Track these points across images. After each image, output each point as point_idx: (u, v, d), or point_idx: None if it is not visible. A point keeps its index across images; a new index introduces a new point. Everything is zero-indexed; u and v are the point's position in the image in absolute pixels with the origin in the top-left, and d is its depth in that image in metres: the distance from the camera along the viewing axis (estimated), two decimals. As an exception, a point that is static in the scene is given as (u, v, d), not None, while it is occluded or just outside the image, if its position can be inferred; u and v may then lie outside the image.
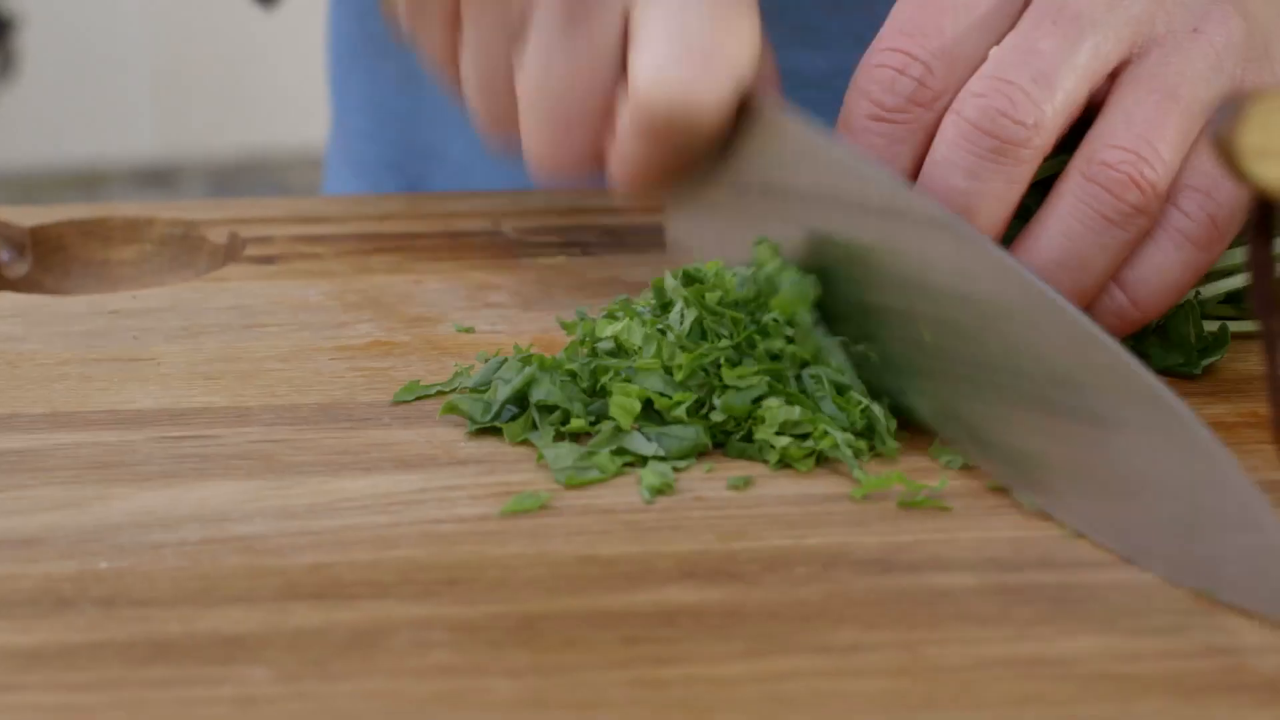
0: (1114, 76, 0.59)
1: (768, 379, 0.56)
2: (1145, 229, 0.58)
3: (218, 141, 2.91)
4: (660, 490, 0.53)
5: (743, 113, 0.62)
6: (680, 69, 0.60)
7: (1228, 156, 0.43)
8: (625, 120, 0.61)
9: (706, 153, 0.62)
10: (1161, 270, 0.58)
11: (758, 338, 0.57)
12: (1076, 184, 0.57)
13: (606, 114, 0.62)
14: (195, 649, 0.46)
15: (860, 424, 0.56)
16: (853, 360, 0.57)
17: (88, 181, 2.86)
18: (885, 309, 0.57)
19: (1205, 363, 0.61)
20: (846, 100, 0.59)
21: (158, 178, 2.90)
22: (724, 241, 0.62)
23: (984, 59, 0.58)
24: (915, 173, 0.59)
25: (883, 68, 0.58)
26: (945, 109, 0.58)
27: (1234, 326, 0.63)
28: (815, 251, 0.59)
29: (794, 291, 0.57)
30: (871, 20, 0.79)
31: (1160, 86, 0.58)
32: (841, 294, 0.58)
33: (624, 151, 0.62)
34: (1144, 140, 0.57)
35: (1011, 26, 0.59)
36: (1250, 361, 0.61)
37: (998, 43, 0.58)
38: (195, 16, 2.88)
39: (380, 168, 0.92)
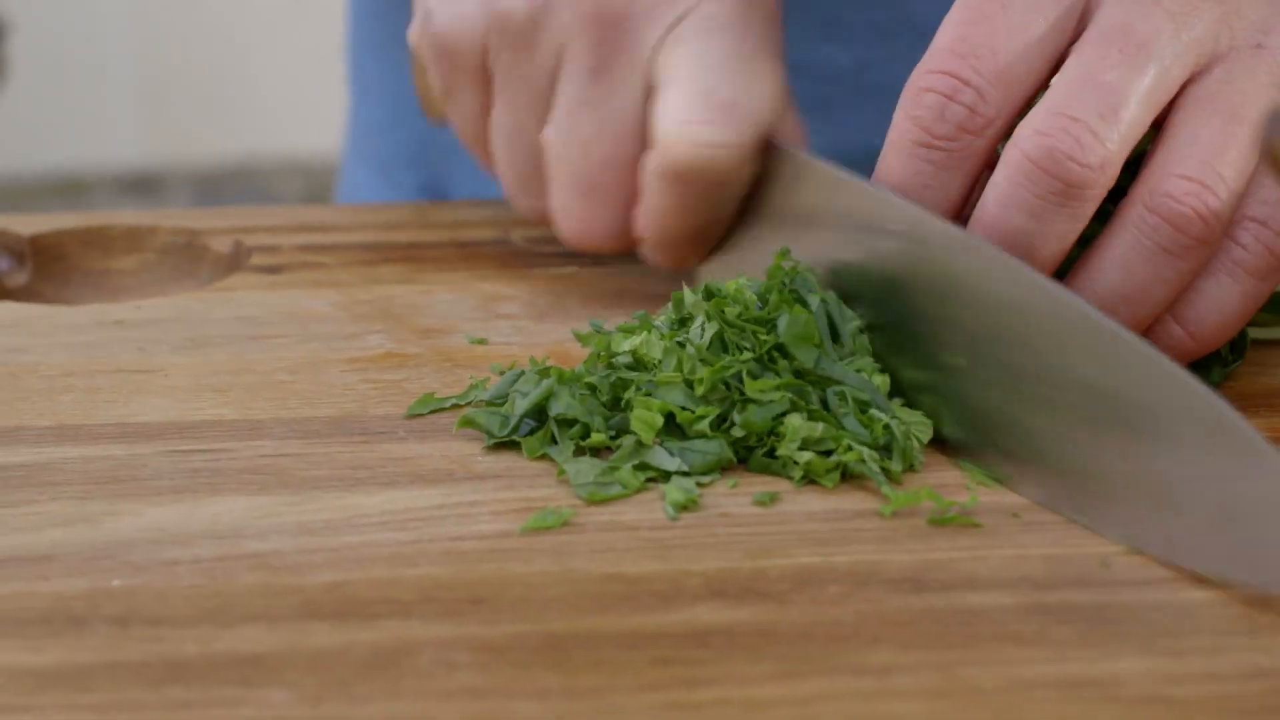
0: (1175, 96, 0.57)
1: (790, 395, 0.54)
2: (1206, 258, 0.56)
3: (203, 149, 2.89)
4: (685, 506, 0.52)
5: (768, 161, 0.62)
6: (702, 116, 0.61)
7: (1277, 167, 0.42)
8: (651, 174, 0.62)
9: (732, 204, 0.63)
10: (1219, 303, 0.57)
11: (778, 354, 0.55)
12: (1139, 215, 0.56)
13: (634, 173, 0.63)
14: (213, 670, 0.44)
15: (882, 440, 0.54)
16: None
17: (72, 189, 2.85)
18: (914, 331, 0.56)
19: (1226, 371, 0.60)
20: (894, 123, 0.57)
21: (142, 185, 2.89)
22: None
23: (1038, 80, 0.56)
24: (965, 200, 0.57)
25: (931, 92, 0.56)
26: (997, 135, 0.56)
27: (1253, 333, 0.62)
28: (840, 284, 0.58)
29: (794, 330, 0.56)
30: (896, 15, 0.78)
31: (1224, 107, 0.56)
32: (870, 319, 0.57)
33: (651, 206, 0.63)
34: (1208, 167, 0.55)
35: (1068, 43, 0.57)
36: (1279, 375, 0.60)
37: (1053, 62, 0.57)
38: (181, 23, 2.87)
39: (398, 163, 0.91)
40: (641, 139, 0.63)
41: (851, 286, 0.58)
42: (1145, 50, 0.56)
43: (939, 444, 0.56)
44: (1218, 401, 0.49)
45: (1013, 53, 0.56)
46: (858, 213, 0.58)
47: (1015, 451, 0.53)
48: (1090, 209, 0.55)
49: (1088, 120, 0.55)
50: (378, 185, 0.92)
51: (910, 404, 0.57)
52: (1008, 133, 0.57)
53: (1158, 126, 0.57)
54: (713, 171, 0.61)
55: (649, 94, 0.63)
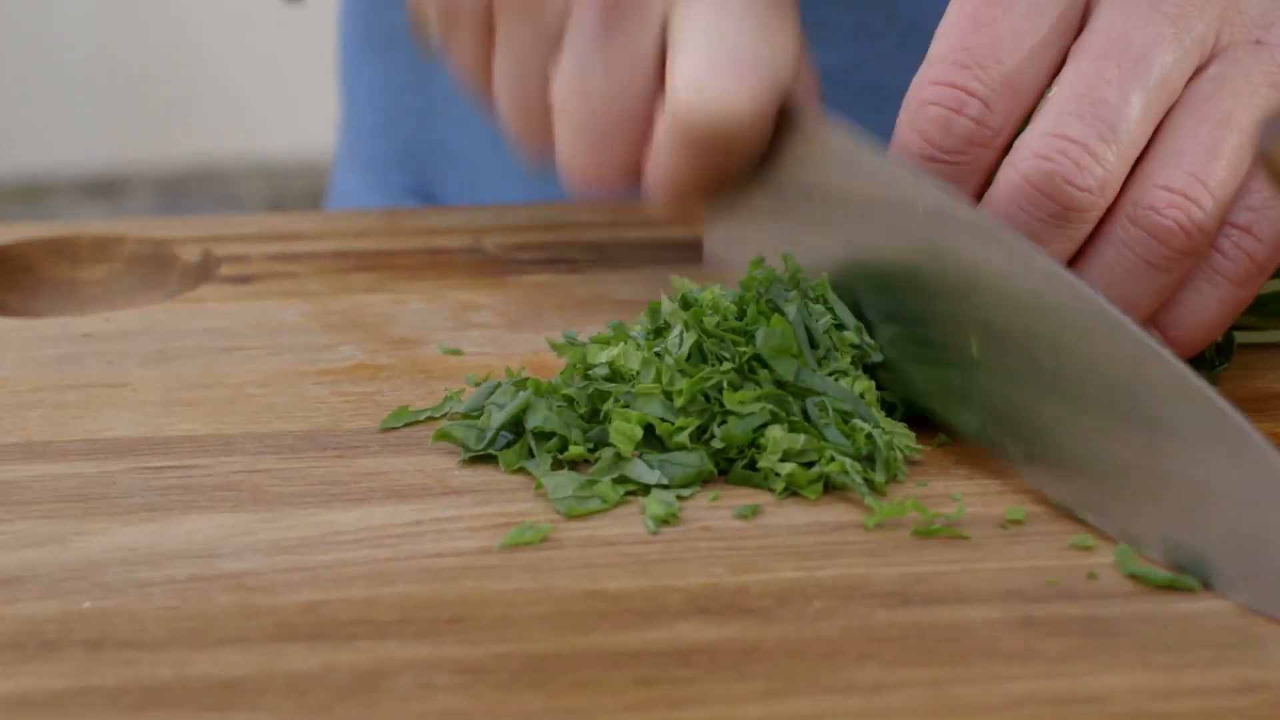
0: None
1: (770, 407, 0.54)
2: (1191, 268, 0.55)
3: (166, 151, 2.87)
4: (665, 520, 0.51)
5: (783, 121, 0.60)
6: (718, 79, 0.59)
7: (1274, 173, 0.42)
8: (663, 132, 0.60)
9: (746, 163, 0.61)
10: (1198, 310, 0.56)
11: (757, 364, 0.55)
12: (1121, 228, 0.54)
13: (644, 125, 0.61)
14: (188, 694, 0.43)
15: (865, 450, 0.53)
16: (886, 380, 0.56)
17: (33, 192, 2.83)
18: (930, 319, 0.55)
19: (1213, 374, 0.59)
20: (897, 135, 0.56)
21: (105, 188, 2.87)
22: (762, 253, 0.59)
23: (1042, 85, 0.55)
24: None
25: (935, 105, 0.55)
26: (1004, 144, 0.55)
27: (1241, 337, 0.61)
28: (856, 263, 0.57)
29: (771, 342, 0.55)
30: (885, 15, 0.77)
31: (1215, 112, 0.55)
32: (884, 308, 0.56)
33: (662, 163, 0.61)
34: (1194, 179, 0.54)
35: (1070, 43, 0.55)
36: (1268, 378, 0.60)
37: (1056, 65, 0.55)
38: (144, 26, 2.85)
39: (389, 166, 0.90)
40: (653, 91, 0.61)
41: (863, 270, 0.57)
42: (1145, 61, 0.54)
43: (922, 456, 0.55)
44: (1222, 401, 0.48)
45: (1017, 61, 0.55)
46: (869, 190, 0.57)
47: (1034, 447, 0.52)
48: (1088, 229, 0.54)
49: (1086, 142, 0.53)
50: (369, 187, 0.91)
51: (923, 404, 0.56)
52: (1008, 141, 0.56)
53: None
54: (728, 135, 0.59)
55: (662, 47, 0.60)
